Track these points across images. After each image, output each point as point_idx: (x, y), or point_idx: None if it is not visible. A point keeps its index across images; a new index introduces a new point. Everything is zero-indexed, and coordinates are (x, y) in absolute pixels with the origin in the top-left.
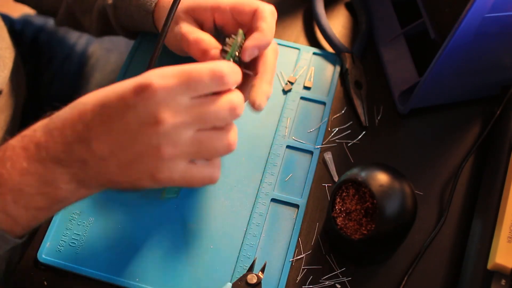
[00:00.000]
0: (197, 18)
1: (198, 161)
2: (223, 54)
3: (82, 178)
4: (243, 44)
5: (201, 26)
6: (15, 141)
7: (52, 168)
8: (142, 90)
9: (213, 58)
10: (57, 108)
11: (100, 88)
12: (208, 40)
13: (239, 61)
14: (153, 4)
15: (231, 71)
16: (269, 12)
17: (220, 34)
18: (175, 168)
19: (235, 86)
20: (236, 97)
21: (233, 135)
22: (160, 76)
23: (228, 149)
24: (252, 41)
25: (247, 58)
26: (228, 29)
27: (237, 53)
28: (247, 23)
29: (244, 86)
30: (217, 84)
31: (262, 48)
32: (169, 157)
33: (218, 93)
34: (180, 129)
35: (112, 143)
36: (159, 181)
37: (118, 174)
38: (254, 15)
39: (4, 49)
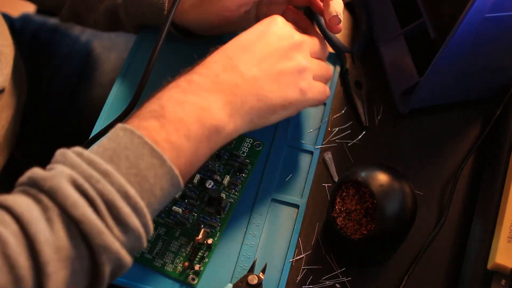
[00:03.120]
0: None
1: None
2: None
3: (234, 102)
4: None
5: None
6: (167, 85)
7: (206, 96)
8: (272, 20)
9: None
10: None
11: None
12: None
13: None
14: (166, 1)
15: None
16: None
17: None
18: (309, 78)
19: None
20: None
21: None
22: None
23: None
24: (327, 13)
25: (336, 30)
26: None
27: None
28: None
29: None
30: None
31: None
32: (304, 68)
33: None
34: (308, 45)
35: (258, 61)
36: (302, 90)
37: (269, 89)
38: None
39: (5, 46)
